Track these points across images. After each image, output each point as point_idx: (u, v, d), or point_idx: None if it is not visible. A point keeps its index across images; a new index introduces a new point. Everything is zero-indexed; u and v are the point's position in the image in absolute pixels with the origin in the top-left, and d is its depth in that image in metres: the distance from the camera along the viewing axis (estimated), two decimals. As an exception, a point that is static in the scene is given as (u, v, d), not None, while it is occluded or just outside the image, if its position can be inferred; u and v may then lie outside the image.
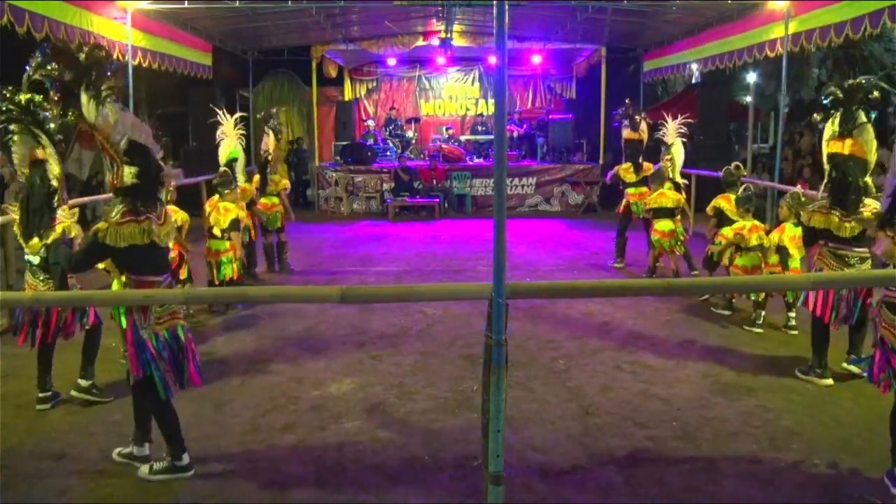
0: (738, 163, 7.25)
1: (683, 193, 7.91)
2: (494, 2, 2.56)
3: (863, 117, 4.47)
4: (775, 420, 4.28)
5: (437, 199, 13.14)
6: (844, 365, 5.04)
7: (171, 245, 3.76)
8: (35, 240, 4.22)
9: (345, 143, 14.37)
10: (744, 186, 6.44)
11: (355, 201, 13.88)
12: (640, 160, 8.43)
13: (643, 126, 8.57)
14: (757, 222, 6.23)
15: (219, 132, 7.56)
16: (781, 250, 5.81)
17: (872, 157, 4.59)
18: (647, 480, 3.61)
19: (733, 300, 6.64)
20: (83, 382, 4.59)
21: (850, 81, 4.58)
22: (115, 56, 8.84)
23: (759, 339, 5.83)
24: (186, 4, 9.46)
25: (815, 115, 4.81)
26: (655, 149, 8.84)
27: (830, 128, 4.60)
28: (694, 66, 13.66)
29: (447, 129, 15.41)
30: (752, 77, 15.89)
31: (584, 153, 14.86)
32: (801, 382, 4.85)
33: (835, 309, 4.71)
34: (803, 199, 5.81)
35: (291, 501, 3.46)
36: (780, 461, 3.78)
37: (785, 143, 12.21)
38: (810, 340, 4.96)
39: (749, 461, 3.79)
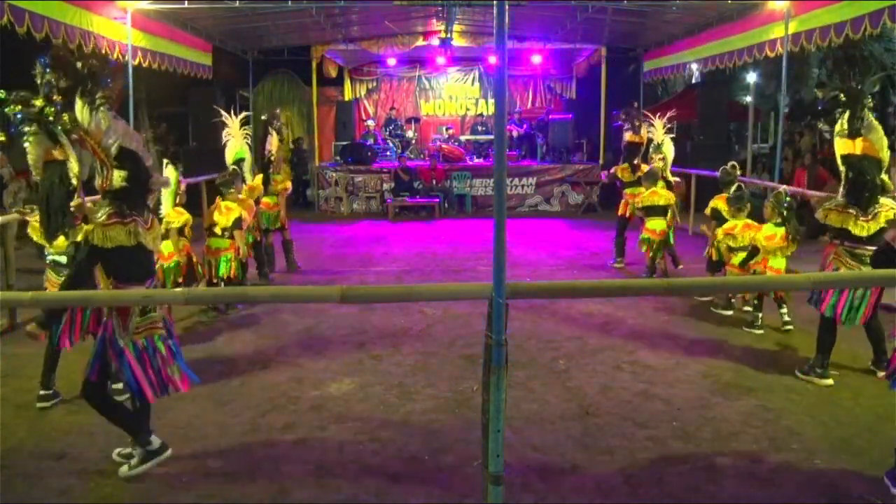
0: (734, 162, 7.26)
1: (678, 189, 7.93)
2: (494, 2, 2.56)
3: (871, 116, 4.48)
4: (775, 420, 4.28)
5: (437, 199, 13.14)
6: (880, 374, 4.90)
7: (159, 250, 3.76)
8: (61, 239, 4.26)
9: (345, 143, 14.37)
10: (735, 186, 6.46)
11: (355, 201, 13.88)
12: (638, 162, 8.47)
13: (644, 129, 8.59)
14: (750, 221, 6.24)
15: (224, 133, 7.68)
16: (753, 248, 5.85)
17: (885, 154, 4.58)
18: (647, 480, 3.61)
19: (733, 300, 6.65)
20: (119, 386, 4.59)
21: (853, 85, 4.57)
22: (114, 56, 8.86)
23: (759, 340, 5.83)
24: (186, 4, 9.46)
25: (820, 122, 4.82)
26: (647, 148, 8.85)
27: (839, 128, 4.58)
28: (694, 66, 13.66)
29: (447, 129, 15.40)
30: (752, 77, 15.90)
31: (584, 153, 14.87)
32: (801, 382, 4.85)
33: (849, 307, 4.69)
34: (788, 198, 5.86)
35: (291, 501, 3.46)
36: (780, 461, 3.78)
37: (785, 143, 12.21)
38: (816, 339, 4.95)
39: (749, 461, 3.79)
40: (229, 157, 7.58)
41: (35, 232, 4.52)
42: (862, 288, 4.59)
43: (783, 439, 4.03)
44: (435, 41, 13.46)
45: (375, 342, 5.82)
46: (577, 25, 12.31)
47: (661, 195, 7.53)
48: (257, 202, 7.74)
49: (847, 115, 4.54)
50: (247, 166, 7.57)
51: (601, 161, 14.11)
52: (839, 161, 4.69)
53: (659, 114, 8.45)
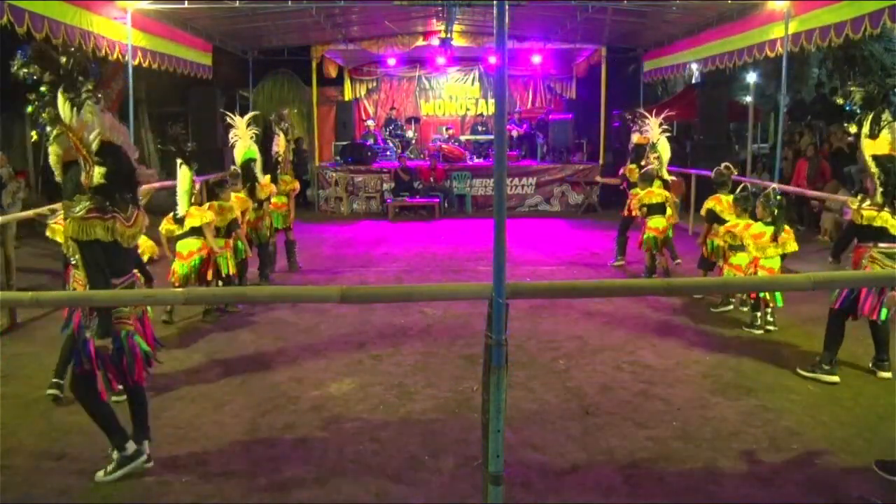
0: (727, 163, 7.28)
1: (678, 190, 7.96)
2: (494, 2, 2.56)
3: (889, 116, 4.47)
4: (775, 420, 4.28)
5: (437, 199, 13.14)
6: (880, 374, 4.95)
7: (137, 246, 3.74)
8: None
9: (345, 143, 14.37)
10: (742, 186, 6.46)
11: (355, 201, 13.88)
12: (645, 162, 8.50)
13: (646, 129, 8.62)
14: (752, 221, 6.23)
15: (231, 134, 7.69)
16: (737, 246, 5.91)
17: None
18: (647, 480, 3.61)
19: (732, 298, 6.66)
20: (119, 386, 4.62)
21: (871, 87, 4.59)
22: (114, 56, 8.86)
23: (759, 340, 5.83)
24: (186, 4, 9.46)
25: (849, 125, 4.78)
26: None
27: (865, 129, 4.57)
28: (694, 66, 13.66)
29: (447, 129, 15.40)
30: (752, 77, 15.88)
31: (584, 153, 14.87)
32: (801, 382, 4.85)
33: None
34: (778, 197, 5.89)
35: (291, 501, 3.46)
36: (780, 461, 3.78)
37: (785, 143, 12.20)
38: (825, 336, 4.97)
39: (749, 461, 3.79)
40: (238, 157, 7.60)
41: (57, 233, 4.52)
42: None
43: (783, 439, 4.03)
44: (435, 41, 13.46)
45: (375, 342, 5.82)
46: (577, 25, 12.30)
47: (657, 193, 7.57)
48: (268, 200, 7.78)
49: (871, 116, 4.52)
50: (258, 166, 7.60)
51: (601, 161, 14.12)
52: (869, 162, 4.64)
53: (654, 112, 8.45)
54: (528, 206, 13.87)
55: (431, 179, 13.47)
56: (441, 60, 14.87)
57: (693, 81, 17.36)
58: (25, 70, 3.37)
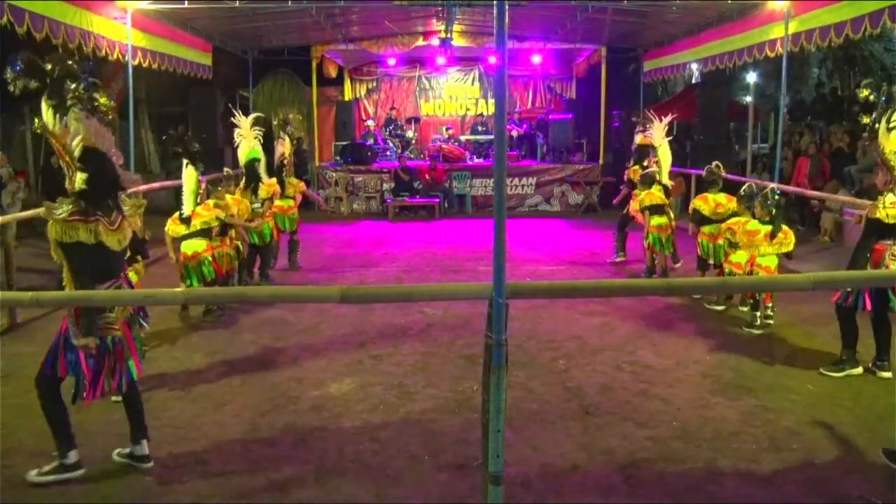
0: (717, 162, 7.33)
1: (677, 191, 7.97)
2: (494, 2, 2.56)
3: None
4: (775, 420, 4.28)
5: (437, 199, 13.14)
6: (880, 374, 4.96)
7: (124, 249, 3.68)
8: None
9: (345, 143, 14.36)
10: (747, 185, 6.48)
11: (355, 201, 13.88)
12: (648, 163, 8.52)
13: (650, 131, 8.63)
14: (750, 218, 6.25)
15: (236, 134, 7.72)
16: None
17: None
18: (647, 480, 3.61)
19: (729, 298, 6.68)
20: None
21: (884, 83, 4.59)
22: (114, 56, 8.86)
23: (759, 339, 5.83)
24: (186, 4, 9.46)
25: (864, 116, 4.73)
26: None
27: (883, 125, 4.52)
28: (694, 66, 13.66)
29: (447, 129, 15.40)
30: (752, 77, 15.88)
31: (584, 153, 14.87)
32: (801, 382, 4.86)
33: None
34: (777, 197, 5.91)
35: (291, 501, 3.46)
36: (780, 461, 3.78)
37: (785, 143, 12.20)
38: (841, 335, 5.01)
39: (749, 461, 3.79)
40: (242, 157, 7.63)
41: None
42: None
43: (783, 439, 4.03)
44: (435, 41, 13.45)
45: (375, 342, 5.82)
46: (577, 25, 12.30)
47: (656, 195, 7.58)
48: (271, 200, 7.79)
49: (889, 112, 4.50)
50: (262, 166, 7.61)
51: (601, 161, 14.12)
52: (891, 157, 4.61)
53: (661, 116, 8.44)
54: (528, 206, 13.87)
55: (431, 179, 13.47)
56: (441, 60, 14.87)
57: (693, 81, 17.37)
58: (20, 83, 3.40)
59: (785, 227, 5.89)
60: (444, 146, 14.44)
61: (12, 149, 11.91)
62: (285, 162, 8.26)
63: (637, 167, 8.59)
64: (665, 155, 8.01)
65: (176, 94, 14.62)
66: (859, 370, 4.96)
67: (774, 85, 17.21)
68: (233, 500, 3.47)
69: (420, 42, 14.11)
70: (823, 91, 16.35)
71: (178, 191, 6.49)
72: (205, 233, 6.26)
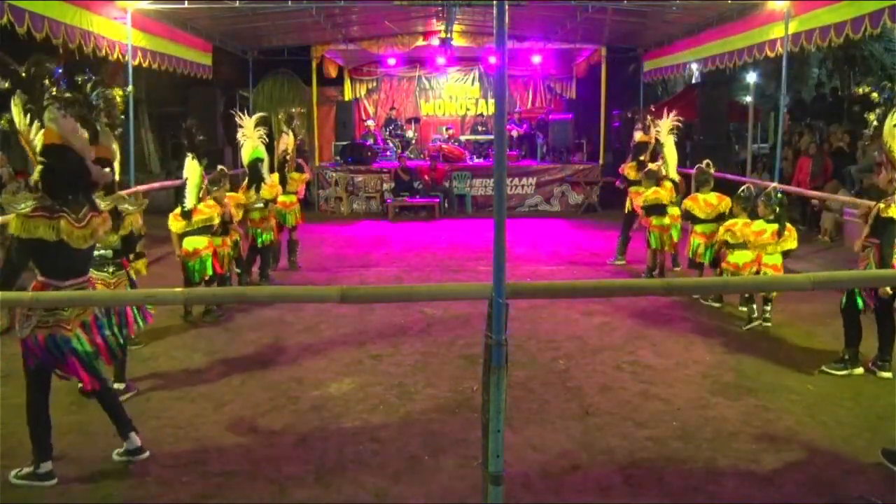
0: (708, 161, 7.39)
1: (682, 190, 7.97)
2: (494, 2, 2.56)
3: None
4: (775, 420, 4.28)
5: (437, 199, 13.14)
6: (880, 374, 4.96)
7: (91, 246, 3.65)
8: (113, 235, 4.36)
9: (345, 143, 14.36)
10: (745, 186, 6.50)
11: (355, 201, 13.88)
12: (645, 159, 8.53)
13: (653, 129, 8.64)
14: (749, 220, 6.27)
15: (239, 134, 7.77)
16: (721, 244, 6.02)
17: None
18: (647, 480, 3.62)
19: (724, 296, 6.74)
20: (119, 386, 4.68)
21: (888, 82, 4.59)
22: (114, 56, 8.86)
23: (759, 339, 5.83)
24: (186, 4, 9.45)
25: (870, 115, 4.71)
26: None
27: (890, 122, 4.49)
28: (694, 66, 13.65)
29: (447, 129, 15.40)
30: (752, 77, 15.88)
31: (584, 153, 14.87)
32: (801, 382, 4.86)
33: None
34: (780, 196, 5.95)
35: (291, 501, 3.46)
36: (780, 461, 3.78)
37: (785, 143, 12.20)
38: (844, 335, 5.03)
39: (749, 461, 3.79)
40: (246, 157, 7.66)
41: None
42: None
43: (783, 439, 4.03)
44: (435, 41, 13.45)
45: (375, 342, 5.82)
46: (577, 25, 12.30)
47: (662, 194, 7.57)
48: (272, 201, 7.84)
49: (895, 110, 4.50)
50: (265, 166, 7.63)
51: (601, 161, 14.12)
52: None
53: (666, 112, 8.45)
54: (528, 206, 13.87)
55: (431, 179, 13.46)
56: (441, 60, 14.87)
57: (693, 81, 17.37)
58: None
59: (788, 225, 5.92)
60: (444, 146, 14.44)
61: (12, 149, 11.90)
62: (288, 157, 8.26)
63: (633, 164, 8.60)
64: (671, 150, 8.04)
65: (176, 94, 14.62)
66: (860, 370, 4.98)
67: (774, 85, 17.21)
68: (233, 500, 3.47)
69: (420, 42, 14.10)
70: (823, 91, 16.34)
71: (178, 190, 6.48)
72: (206, 230, 6.27)
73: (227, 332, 6.14)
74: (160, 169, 16.08)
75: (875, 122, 4.58)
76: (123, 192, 4.28)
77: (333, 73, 15.18)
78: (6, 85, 3.45)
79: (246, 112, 8.03)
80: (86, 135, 3.63)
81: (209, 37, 11.96)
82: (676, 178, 7.94)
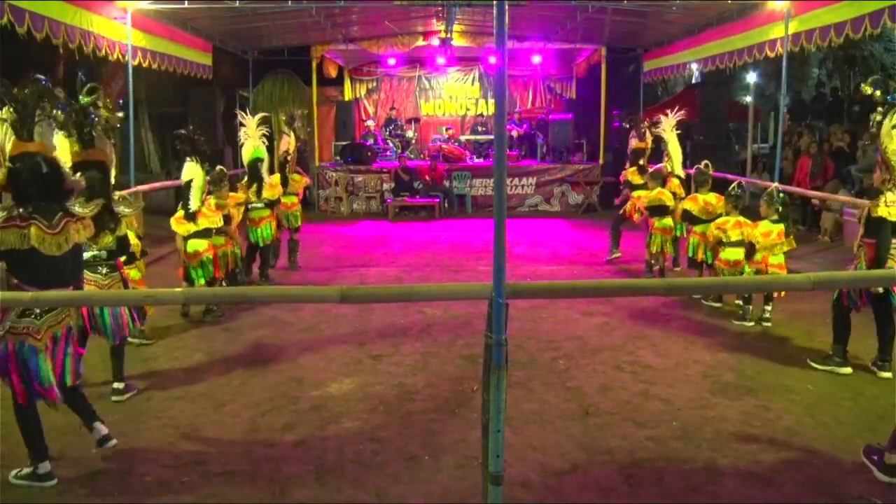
0: (706, 161, 7.43)
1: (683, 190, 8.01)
2: (494, 2, 2.56)
3: None
4: (775, 420, 4.28)
5: (437, 199, 13.14)
6: (880, 374, 4.96)
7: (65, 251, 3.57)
8: (108, 236, 4.34)
9: (345, 143, 14.36)
10: (736, 184, 6.58)
11: (355, 201, 13.88)
12: (644, 163, 8.56)
13: (648, 135, 8.67)
14: (741, 218, 6.36)
15: (241, 133, 7.82)
16: (750, 245, 6.00)
17: None
18: (647, 480, 3.61)
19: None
20: (119, 385, 4.71)
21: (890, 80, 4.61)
22: (114, 56, 8.87)
23: (759, 339, 5.83)
24: (186, 4, 9.46)
25: (876, 114, 4.71)
26: (656, 149, 8.90)
27: (889, 123, 4.50)
28: (694, 66, 13.65)
29: (447, 129, 15.40)
30: (752, 77, 15.90)
31: (584, 153, 14.87)
32: (801, 382, 4.86)
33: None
34: (781, 195, 6.00)
35: (291, 501, 3.46)
36: (780, 461, 3.78)
37: (785, 143, 12.21)
38: (832, 331, 5.04)
39: (749, 461, 3.79)
40: (246, 157, 7.68)
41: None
42: None
43: (783, 439, 4.03)
44: (435, 41, 13.46)
45: (375, 342, 5.82)
46: (577, 25, 12.30)
47: (667, 195, 7.58)
48: (276, 202, 7.85)
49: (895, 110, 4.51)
50: (264, 166, 7.65)
51: (601, 161, 14.12)
52: (891, 156, 4.60)
53: (668, 111, 8.46)
54: (528, 206, 13.87)
55: (431, 179, 13.47)
56: (441, 60, 14.86)
57: (693, 81, 17.37)
58: None
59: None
60: (444, 146, 14.44)
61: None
62: (289, 158, 8.26)
63: (633, 169, 8.61)
64: (675, 147, 8.07)
65: (176, 94, 14.63)
66: (847, 370, 4.94)
67: (774, 85, 17.22)
68: (233, 500, 3.47)
69: (420, 42, 14.11)
70: (823, 91, 16.35)
71: (178, 190, 6.49)
72: (206, 232, 6.29)
73: (227, 332, 6.14)
74: (160, 169, 16.08)
75: (878, 120, 4.58)
76: (124, 192, 4.29)
77: (333, 73, 15.18)
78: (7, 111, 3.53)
79: (246, 112, 8.05)
80: (65, 143, 3.66)
81: (209, 37, 11.96)
82: (682, 174, 7.97)
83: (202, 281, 6.22)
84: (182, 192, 6.43)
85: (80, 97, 4.09)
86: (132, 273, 5.34)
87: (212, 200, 6.51)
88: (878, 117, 4.60)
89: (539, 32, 13.80)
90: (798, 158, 11.79)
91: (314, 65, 14.26)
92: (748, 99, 17.01)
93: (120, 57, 8.99)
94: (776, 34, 9.24)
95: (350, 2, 10.88)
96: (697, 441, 4.02)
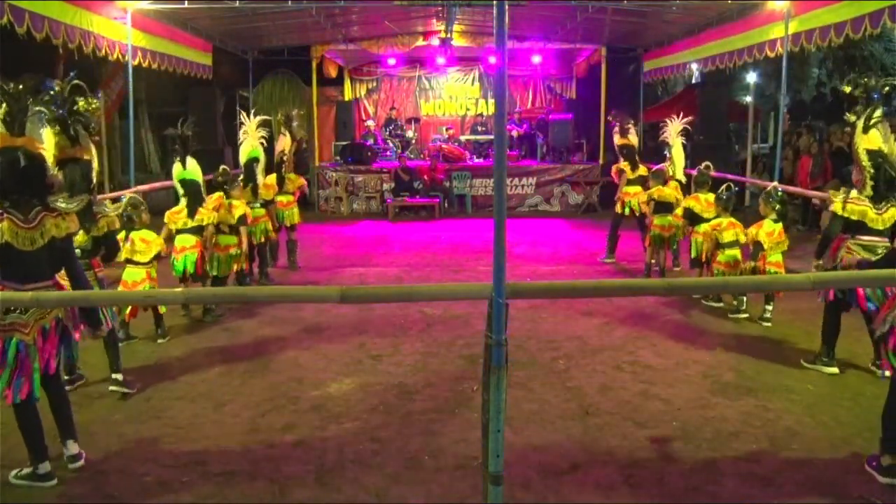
0: (707, 163, 7.48)
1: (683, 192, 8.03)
2: (494, 2, 2.56)
3: (881, 114, 4.53)
4: (775, 420, 4.28)
5: (437, 199, 13.14)
6: (880, 374, 4.96)
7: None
8: (81, 234, 4.33)
9: (345, 143, 14.36)
10: (726, 185, 6.63)
11: (355, 201, 13.88)
12: (636, 160, 8.57)
13: (633, 132, 8.70)
14: (733, 219, 6.44)
15: (241, 133, 7.93)
16: (756, 244, 6.06)
17: (888, 148, 4.61)
18: (647, 480, 3.61)
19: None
20: (118, 376, 4.73)
21: (869, 81, 4.66)
22: (114, 56, 8.87)
23: (759, 339, 5.83)
24: (186, 4, 9.45)
25: (849, 115, 4.79)
26: (657, 149, 8.93)
27: (861, 124, 4.60)
28: (694, 66, 13.65)
29: (447, 129, 15.40)
30: (752, 77, 15.89)
31: (584, 153, 14.87)
32: (801, 382, 4.86)
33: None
34: (780, 194, 6.07)
35: (291, 501, 3.46)
36: (780, 461, 3.78)
37: (785, 143, 12.21)
38: (821, 331, 5.07)
39: (749, 461, 3.79)
40: (242, 156, 7.76)
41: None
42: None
43: (783, 439, 4.03)
44: (435, 41, 13.46)
45: (375, 342, 5.82)
46: (577, 25, 12.30)
47: (667, 193, 7.61)
48: (272, 202, 7.89)
49: (867, 111, 4.57)
50: (260, 166, 7.71)
51: (601, 161, 14.11)
52: (862, 156, 4.67)
53: (666, 116, 8.48)
54: (528, 206, 13.87)
55: (431, 179, 13.46)
56: (441, 60, 14.86)
57: (693, 81, 17.37)
58: None
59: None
60: (444, 146, 14.44)
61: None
62: (285, 158, 8.33)
63: (626, 163, 8.62)
64: (679, 152, 8.10)
65: (176, 94, 14.62)
66: (833, 370, 4.98)
67: (774, 85, 17.22)
68: (233, 500, 3.47)
69: (420, 42, 14.11)
70: (823, 91, 16.35)
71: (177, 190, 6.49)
72: (199, 230, 6.29)
73: (227, 332, 6.14)
74: (160, 169, 16.08)
75: (853, 120, 4.68)
76: (129, 191, 4.30)
77: (333, 73, 15.18)
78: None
79: (246, 112, 8.09)
80: (51, 138, 3.67)
81: (209, 37, 11.96)
82: (683, 179, 7.99)
83: (177, 273, 6.22)
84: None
85: (69, 96, 4.12)
86: (151, 272, 5.52)
87: (210, 202, 6.53)
88: (853, 118, 4.68)
89: (539, 32, 13.80)
90: (798, 158, 11.79)
91: (314, 65, 14.26)
92: (748, 99, 17.01)
93: (120, 57, 8.98)
94: (776, 34, 9.24)
95: (350, 2, 10.88)
96: (697, 441, 4.02)
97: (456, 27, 12.96)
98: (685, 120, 8.31)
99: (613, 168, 9.02)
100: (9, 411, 3.65)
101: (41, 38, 7.07)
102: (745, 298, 6.29)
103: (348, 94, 16.24)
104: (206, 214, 6.31)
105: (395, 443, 4.02)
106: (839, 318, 4.97)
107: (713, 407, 4.48)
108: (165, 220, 6.30)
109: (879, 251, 4.69)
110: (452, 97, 16.66)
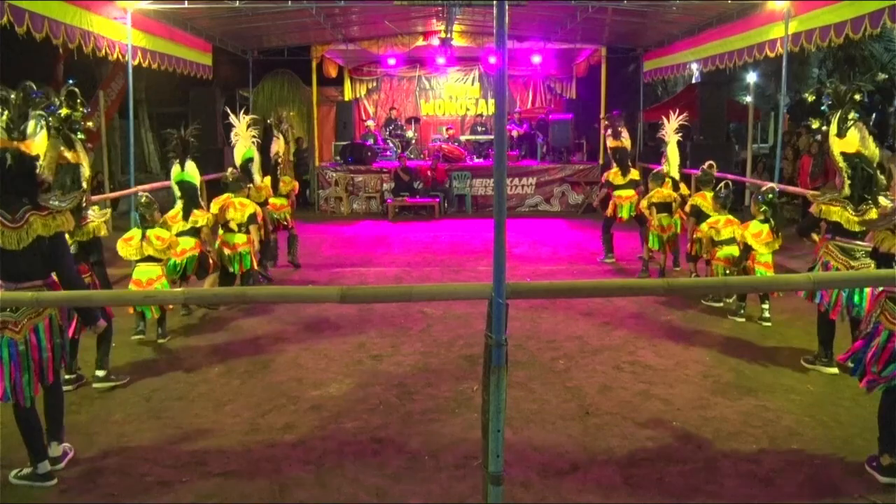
0: (711, 162, 7.50)
1: (682, 189, 8.05)
2: (494, 2, 2.56)
3: (854, 115, 4.57)
4: (775, 420, 4.28)
5: (437, 199, 13.14)
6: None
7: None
8: (67, 237, 4.32)
9: (345, 143, 14.36)
10: (723, 183, 6.66)
11: (355, 201, 13.88)
12: (627, 164, 8.59)
13: (625, 135, 8.71)
14: (731, 217, 6.46)
15: (233, 134, 7.94)
16: (746, 245, 6.07)
17: (868, 151, 4.64)
18: (647, 480, 3.61)
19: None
20: (101, 373, 4.75)
21: (839, 86, 4.75)
22: (114, 56, 8.88)
23: (760, 339, 5.83)
24: (186, 4, 9.46)
25: (813, 121, 4.91)
26: (655, 149, 8.93)
27: (833, 129, 4.68)
28: (694, 66, 13.65)
29: (447, 129, 15.40)
30: (752, 77, 15.91)
31: (584, 153, 14.87)
32: (801, 382, 4.86)
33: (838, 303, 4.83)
34: (770, 196, 6.07)
35: (291, 501, 3.46)
36: (780, 461, 3.78)
37: (785, 143, 12.21)
38: (817, 333, 5.12)
39: (749, 461, 3.79)
40: (238, 157, 7.81)
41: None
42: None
43: (783, 439, 4.03)
44: (435, 41, 13.45)
45: (375, 342, 5.82)
46: (577, 25, 12.29)
47: (664, 193, 7.62)
48: (266, 203, 7.92)
49: (839, 114, 4.63)
50: (255, 166, 7.74)
51: (601, 161, 14.10)
52: (838, 159, 4.74)
53: (672, 114, 8.47)
54: (528, 206, 13.87)
55: (432, 179, 13.46)
56: (441, 60, 14.85)
57: (693, 81, 17.38)
58: None
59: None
60: (444, 146, 14.44)
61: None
62: (279, 160, 8.37)
63: (616, 169, 8.63)
64: (673, 150, 8.13)
65: (176, 94, 14.65)
66: (832, 370, 4.99)
67: (774, 85, 17.22)
68: (233, 500, 3.47)
69: (420, 42, 14.10)
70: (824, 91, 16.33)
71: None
72: (195, 231, 6.32)
73: (227, 332, 6.15)
74: (160, 169, 16.09)
75: (823, 129, 4.75)
76: (136, 189, 4.34)
77: (333, 73, 15.17)
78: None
79: (245, 112, 8.09)
80: (45, 141, 3.69)
81: (209, 37, 11.96)
82: (677, 177, 8.01)
83: (175, 275, 6.21)
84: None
85: (63, 102, 4.16)
86: (158, 270, 5.58)
87: (217, 202, 6.59)
88: (817, 123, 4.77)
89: (539, 32, 13.80)
90: (798, 158, 11.78)
91: (314, 65, 14.25)
92: (748, 99, 17.02)
93: (120, 57, 8.99)
94: (776, 34, 9.24)
95: (350, 2, 10.88)
96: (697, 441, 4.02)
97: (456, 27, 12.96)
98: (681, 117, 8.32)
99: (604, 177, 9.05)
100: (9, 412, 3.65)
101: (41, 38, 7.07)
102: (744, 304, 6.29)
103: (348, 94, 16.24)
104: (200, 216, 6.33)
105: (395, 443, 4.03)
106: (832, 320, 4.99)
107: (713, 407, 4.48)
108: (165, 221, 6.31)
109: (857, 254, 4.73)
110: (452, 97, 16.65)
